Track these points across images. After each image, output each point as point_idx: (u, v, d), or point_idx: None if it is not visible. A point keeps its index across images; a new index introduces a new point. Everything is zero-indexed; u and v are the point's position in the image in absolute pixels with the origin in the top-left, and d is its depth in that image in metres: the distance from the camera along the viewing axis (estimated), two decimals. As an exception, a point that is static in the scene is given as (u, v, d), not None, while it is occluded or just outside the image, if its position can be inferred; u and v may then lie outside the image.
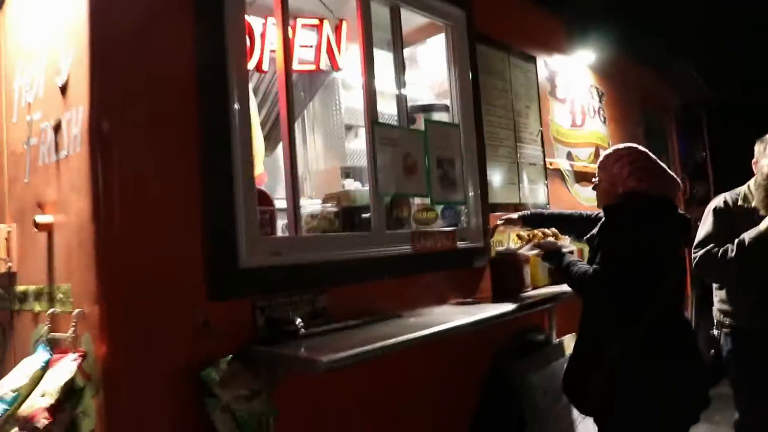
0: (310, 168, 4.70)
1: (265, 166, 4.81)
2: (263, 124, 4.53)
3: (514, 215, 3.41)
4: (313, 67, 2.85)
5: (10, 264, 2.47)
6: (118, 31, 2.06)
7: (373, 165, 2.84)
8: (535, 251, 3.21)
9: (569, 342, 3.67)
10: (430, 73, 3.77)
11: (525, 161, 3.94)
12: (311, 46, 2.84)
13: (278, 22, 2.57)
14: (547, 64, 4.36)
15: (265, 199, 2.54)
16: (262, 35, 2.81)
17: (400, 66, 3.14)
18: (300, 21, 2.78)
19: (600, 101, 4.99)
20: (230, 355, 2.15)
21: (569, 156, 4.48)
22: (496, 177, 3.66)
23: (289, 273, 2.45)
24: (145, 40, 2.12)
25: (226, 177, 2.25)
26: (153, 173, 2.10)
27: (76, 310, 2.07)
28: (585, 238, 3.04)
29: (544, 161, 4.15)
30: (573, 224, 3.31)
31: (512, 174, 3.81)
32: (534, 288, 3.48)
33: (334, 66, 2.92)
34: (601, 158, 2.96)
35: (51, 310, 2.19)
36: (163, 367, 2.05)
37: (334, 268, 2.63)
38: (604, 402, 2.64)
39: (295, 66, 2.74)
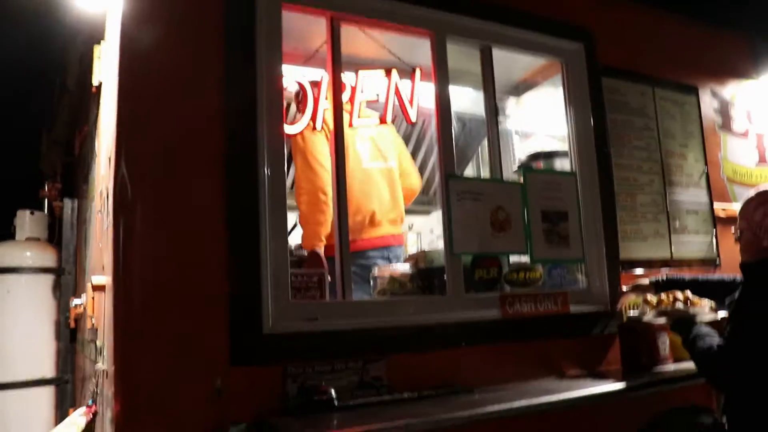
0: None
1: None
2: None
3: (645, 280, 2.88)
4: (377, 121, 2.71)
5: (94, 321, 2.68)
6: (142, 103, 2.16)
7: (448, 222, 2.59)
8: (661, 319, 2.67)
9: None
10: (552, 117, 3.39)
11: (680, 208, 3.33)
12: (376, 100, 2.71)
13: (329, 74, 2.50)
14: (715, 94, 3.69)
15: (315, 262, 2.45)
16: (317, 90, 2.72)
17: (491, 112, 2.86)
18: (363, 72, 2.67)
19: (810, 129, 4.06)
20: (243, 424, 2.07)
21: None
22: (633, 229, 3.13)
23: (329, 339, 2.31)
24: (171, 111, 2.19)
25: (252, 243, 2.21)
26: (175, 238, 2.13)
27: (101, 368, 2.16)
28: (727, 303, 2.49)
29: (712, 207, 3.48)
30: (716, 288, 2.70)
31: (658, 224, 3.23)
32: (678, 361, 2.87)
33: (407, 119, 2.74)
34: (742, 202, 2.43)
35: (97, 365, 2.32)
36: (176, 430, 2.03)
37: (392, 335, 2.42)
38: None
39: (358, 121, 2.63)
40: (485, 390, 2.45)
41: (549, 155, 3.22)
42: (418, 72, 2.75)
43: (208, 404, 2.06)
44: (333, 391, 2.20)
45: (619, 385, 2.51)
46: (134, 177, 2.11)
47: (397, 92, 2.72)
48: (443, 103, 2.69)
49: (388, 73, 2.75)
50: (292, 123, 2.70)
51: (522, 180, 2.84)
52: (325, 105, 2.66)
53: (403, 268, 2.71)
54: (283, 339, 2.22)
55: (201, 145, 2.21)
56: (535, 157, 3.25)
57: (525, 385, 2.57)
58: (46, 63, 4.17)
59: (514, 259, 2.87)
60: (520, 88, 3.91)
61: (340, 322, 2.34)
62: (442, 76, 2.69)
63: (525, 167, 3.16)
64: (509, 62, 3.27)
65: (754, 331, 2.14)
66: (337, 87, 2.51)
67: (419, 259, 2.72)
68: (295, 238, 3.09)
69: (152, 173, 2.14)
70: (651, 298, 2.75)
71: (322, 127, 2.82)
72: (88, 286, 2.66)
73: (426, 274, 2.68)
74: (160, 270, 2.09)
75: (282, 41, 2.37)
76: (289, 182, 2.80)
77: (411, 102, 2.74)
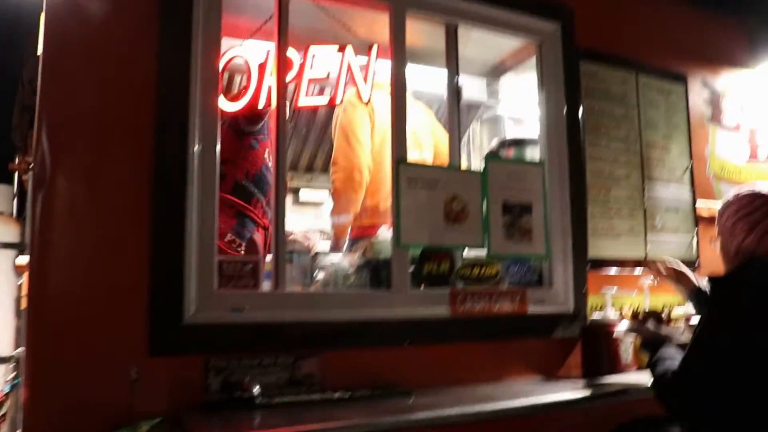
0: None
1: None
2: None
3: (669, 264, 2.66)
4: (326, 101, 2.55)
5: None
6: (67, 69, 2.03)
7: (396, 211, 2.43)
8: (631, 335, 2.50)
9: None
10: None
11: (659, 205, 3.14)
12: (326, 78, 2.53)
13: (275, 48, 2.33)
14: (706, 83, 3.46)
15: (252, 249, 2.31)
16: (262, 65, 2.55)
17: (453, 95, 2.68)
18: (314, 48, 2.50)
19: (811, 126, 3.82)
20: (157, 419, 1.95)
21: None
22: (605, 225, 2.95)
23: (256, 332, 2.17)
24: (97, 79, 2.06)
25: (176, 226, 2.07)
26: (95, 216, 2.02)
27: (18, 353, 2.04)
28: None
29: (694, 206, 3.27)
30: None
31: (634, 221, 3.04)
32: (642, 368, 2.69)
33: (359, 98, 2.58)
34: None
35: (19, 349, 2.20)
36: (87, 421, 1.90)
37: (328, 330, 2.28)
38: None
39: (304, 101, 2.46)
40: (427, 393, 2.27)
41: (519, 142, 3.04)
42: (375, 48, 2.57)
43: (122, 395, 1.94)
44: (257, 388, 2.07)
45: (572, 394, 2.34)
46: (54, 149, 1.98)
47: (350, 70, 2.55)
48: (398, 83, 2.51)
49: (341, 49, 2.57)
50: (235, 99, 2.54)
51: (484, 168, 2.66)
52: (270, 81, 2.49)
53: (349, 258, 2.56)
54: (205, 330, 2.10)
55: (127, 118, 2.08)
56: (504, 144, 3.07)
57: (472, 390, 2.40)
58: (13, 28, 4.01)
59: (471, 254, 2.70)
60: (510, 69, 3.71)
61: (269, 314, 2.21)
62: (398, 53, 2.51)
63: (489, 155, 2.98)
64: (496, 41, 3.08)
65: (703, 358, 1.92)
66: (282, 63, 2.34)
67: (367, 250, 2.56)
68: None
69: (73, 146, 2.01)
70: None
71: (366, 103, 2.80)
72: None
73: (373, 266, 2.52)
74: (79, 250, 1.98)
75: (222, 10, 2.21)
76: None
77: (365, 80, 2.56)
